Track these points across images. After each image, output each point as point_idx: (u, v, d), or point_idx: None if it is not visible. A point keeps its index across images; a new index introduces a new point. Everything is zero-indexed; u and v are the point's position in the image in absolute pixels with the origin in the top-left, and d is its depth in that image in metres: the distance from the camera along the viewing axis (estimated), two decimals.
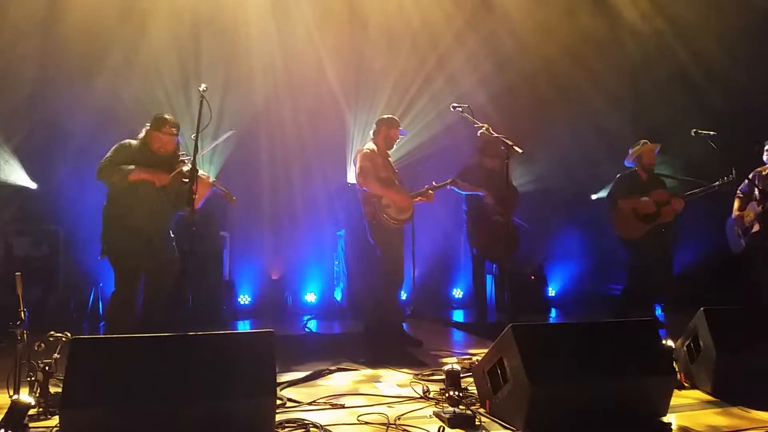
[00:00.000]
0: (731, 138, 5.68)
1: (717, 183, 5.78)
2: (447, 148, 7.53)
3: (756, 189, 5.54)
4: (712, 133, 5.28)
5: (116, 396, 2.53)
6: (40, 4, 6.55)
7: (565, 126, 8.29)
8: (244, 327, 6.51)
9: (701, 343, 3.59)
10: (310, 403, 3.28)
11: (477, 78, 7.95)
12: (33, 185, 6.78)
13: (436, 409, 3.11)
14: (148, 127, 4.44)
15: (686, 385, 3.65)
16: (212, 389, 2.63)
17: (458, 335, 6.31)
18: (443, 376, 3.34)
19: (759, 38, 7.18)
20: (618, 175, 6.27)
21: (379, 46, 7.95)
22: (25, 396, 2.87)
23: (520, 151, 4.53)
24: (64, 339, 3.17)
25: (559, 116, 8.31)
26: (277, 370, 2.78)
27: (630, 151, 6.22)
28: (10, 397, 2.86)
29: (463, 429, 2.85)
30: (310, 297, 7.58)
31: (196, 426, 2.58)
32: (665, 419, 3.02)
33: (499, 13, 8.04)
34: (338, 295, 7.45)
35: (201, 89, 3.82)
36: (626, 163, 6.30)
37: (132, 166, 4.21)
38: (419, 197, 5.38)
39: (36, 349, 3.12)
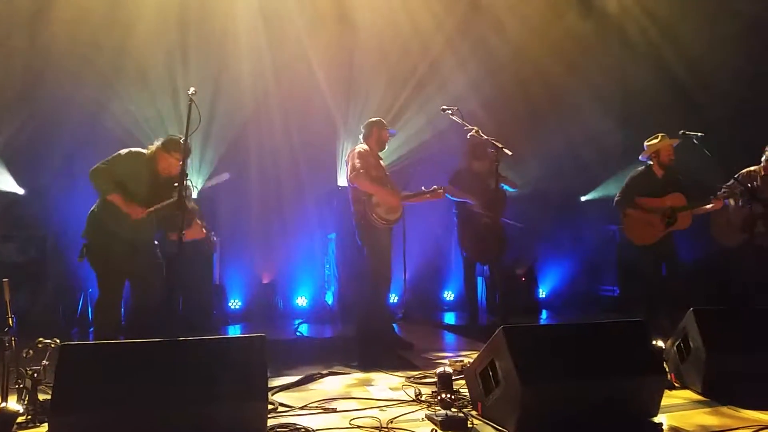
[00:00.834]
0: (720, 140, 5.72)
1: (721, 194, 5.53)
2: (437, 152, 7.55)
3: (741, 188, 5.55)
4: (699, 134, 5.30)
5: (106, 402, 2.51)
6: (26, 6, 6.51)
7: (555, 128, 8.33)
8: (234, 331, 6.49)
9: (691, 344, 3.61)
10: (301, 408, 3.26)
11: (467, 81, 7.98)
12: (20, 190, 6.72)
13: (428, 412, 3.10)
14: (159, 145, 4.39)
15: (677, 385, 3.67)
16: (203, 394, 2.62)
17: (450, 338, 6.32)
18: (435, 379, 3.33)
19: (746, 41, 7.25)
20: (630, 175, 5.84)
21: (369, 50, 7.95)
22: (13, 403, 2.84)
23: (510, 153, 4.54)
24: (52, 345, 3.14)
25: (550, 119, 8.35)
26: (268, 374, 2.77)
27: (645, 146, 5.73)
28: None
29: (455, 431, 2.85)
30: (301, 301, 7.57)
31: (187, 431, 2.56)
32: (656, 419, 3.03)
33: (488, 15, 8.07)
34: (329, 299, 7.44)
35: (190, 93, 3.79)
36: (641, 158, 5.80)
37: (114, 190, 4.18)
38: (415, 197, 5.36)
39: (24, 356, 3.09)
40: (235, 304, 7.26)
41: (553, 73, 8.22)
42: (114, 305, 4.30)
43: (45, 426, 2.82)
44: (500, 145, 4.54)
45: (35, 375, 3.03)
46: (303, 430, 2.85)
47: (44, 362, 3.09)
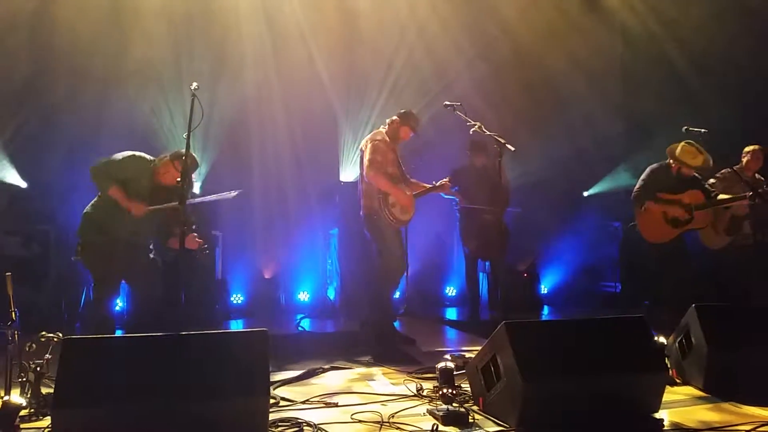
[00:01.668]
0: (724, 136, 5.71)
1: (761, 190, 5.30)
2: (438, 146, 7.53)
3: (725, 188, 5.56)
4: (703, 130, 5.28)
5: (108, 396, 2.52)
6: (28, 2, 6.51)
7: (557, 123, 8.32)
8: (237, 326, 6.49)
9: (693, 340, 3.61)
10: (303, 402, 3.27)
11: (469, 77, 7.96)
12: (23, 184, 6.73)
13: (429, 407, 3.11)
14: (168, 157, 4.35)
15: (678, 381, 3.67)
16: (205, 389, 2.62)
17: (451, 333, 6.32)
18: (437, 374, 3.34)
19: (752, 36, 7.22)
20: (650, 168, 5.63)
21: (371, 43, 7.93)
22: (16, 397, 2.84)
23: (513, 149, 4.53)
24: (55, 339, 3.15)
25: (552, 114, 8.34)
26: (270, 369, 2.77)
27: (668, 151, 5.52)
28: (1, 398, 2.83)
29: (457, 426, 2.85)
30: (303, 296, 7.57)
31: (189, 425, 2.57)
32: (657, 415, 3.04)
33: (487, 8, 8.03)
34: (331, 294, 7.44)
35: (192, 88, 3.78)
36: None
37: (115, 185, 4.17)
38: (424, 193, 5.31)
39: (27, 349, 3.10)
40: (237, 298, 7.27)
41: (556, 68, 8.20)
42: (104, 303, 4.30)
43: (48, 419, 2.84)
44: (503, 141, 4.52)
45: (38, 369, 3.04)
46: (305, 424, 2.86)
47: (47, 356, 3.11)
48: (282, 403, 3.25)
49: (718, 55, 7.36)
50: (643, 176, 5.60)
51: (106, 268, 4.25)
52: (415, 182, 5.31)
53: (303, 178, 7.66)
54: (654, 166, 5.61)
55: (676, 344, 3.76)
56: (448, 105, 4.91)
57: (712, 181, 5.72)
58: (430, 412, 3.04)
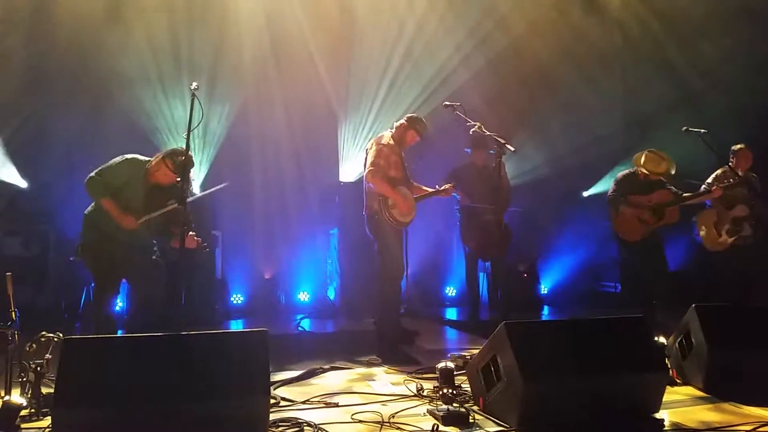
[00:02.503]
0: (722, 135, 5.74)
1: (723, 184, 5.65)
2: (438, 145, 7.53)
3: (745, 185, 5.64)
4: (703, 130, 5.30)
5: (108, 396, 2.52)
6: (27, 1, 6.51)
7: (557, 124, 8.32)
8: (237, 326, 6.49)
9: (693, 340, 3.61)
10: (303, 402, 3.27)
11: (470, 75, 7.95)
12: (23, 184, 6.73)
13: (430, 407, 3.11)
14: (161, 156, 4.30)
15: (678, 381, 3.67)
16: (205, 389, 2.62)
17: (451, 333, 6.32)
18: (437, 374, 3.34)
19: (746, 34, 7.23)
20: (620, 174, 6.02)
21: (370, 44, 7.92)
22: (16, 397, 2.85)
23: (513, 149, 4.53)
24: (55, 339, 3.15)
25: (551, 114, 8.34)
26: (270, 369, 2.77)
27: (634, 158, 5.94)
28: (2, 398, 2.84)
29: (457, 426, 2.86)
30: (303, 296, 7.57)
31: (189, 425, 2.57)
32: (658, 415, 3.04)
33: (485, 5, 8.03)
34: (331, 294, 7.44)
35: (192, 88, 3.77)
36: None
37: (107, 197, 4.16)
38: (426, 197, 5.32)
39: (27, 349, 3.10)
40: (237, 299, 7.27)
41: (555, 68, 8.19)
42: (105, 303, 4.30)
43: (48, 419, 2.83)
44: (503, 141, 4.53)
45: (38, 369, 3.04)
46: (305, 424, 2.86)
47: (47, 356, 3.10)
48: (282, 403, 3.25)
49: (718, 54, 7.36)
50: (614, 182, 5.99)
51: (106, 269, 4.25)
52: (417, 186, 5.33)
53: (303, 177, 7.65)
54: (624, 172, 6.00)
55: (677, 344, 3.76)
56: (448, 105, 4.92)
57: (709, 181, 5.78)
58: (431, 412, 3.04)
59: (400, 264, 5.24)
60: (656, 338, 3.66)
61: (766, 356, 3.49)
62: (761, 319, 3.72)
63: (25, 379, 3.03)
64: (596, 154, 8.30)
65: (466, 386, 3.33)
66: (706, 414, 3.10)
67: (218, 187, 4.66)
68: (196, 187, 6.94)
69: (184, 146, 3.72)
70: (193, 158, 4.27)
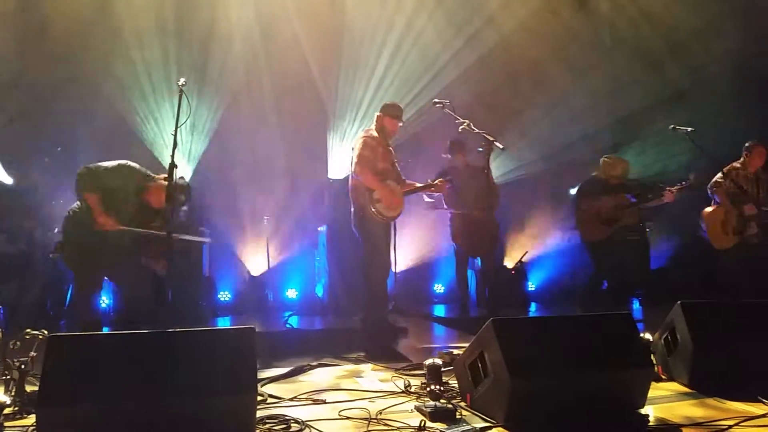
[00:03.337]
0: (709, 133, 5.77)
1: (675, 187, 5.87)
2: (428, 144, 7.54)
3: (735, 187, 5.68)
4: (689, 129, 5.33)
5: (94, 394, 2.50)
6: None
7: (544, 120, 8.35)
8: (224, 323, 6.47)
9: (678, 337, 3.64)
10: (291, 399, 3.26)
11: (459, 73, 7.97)
12: (9, 180, 6.66)
13: (417, 403, 3.11)
14: (162, 179, 4.25)
15: (663, 377, 3.70)
16: (192, 386, 2.61)
17: (439, 329, 6.34)
18: (424, 371, 3.35)
19: (741, 31, 7.29)
20: (584, 180, 6.44)
21: (359, 40, 7.91)
22: (0, 395, 2.82)
23: (502, 147, 4.55)
24: (40, 337, 3.13)
25: (540, 111, 8.37)
26: (258, 366, 2.76)
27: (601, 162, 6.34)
28: None
29: (444, 422, 2.86)
30: (291, 293, 7.56)
31: (176, 423, 2.55)
32: (643, 411, 3.06)
33: (474, 2, 8.04)
34: (319, 291, 7.44)
35: (180, 84, 3.75)
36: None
37: (92, 192, 4.12)
38: (417, 190, 5.32)
39: (12, 347, 3.07)
40: (224, 296, 7.25)
41: (544, 65, 8.23)
42: (86, 301, 4.26)
43: (32, 417, 2.81)
44: (492, 138, 4.54)
45: (23, 366, 3.01)
46: (292, 421, 2.86)
47: (32, 353, 3.08)
48: (269, 400, 3.24)
49: (706, 50, 7.42)
50: (578, 187, 6.43)
51: (86, 266, 4.20)
52: (409, 183, 5.33)
53: (291, 174, 7.64)
54: (587, 178, 6.39)
55: (662, 341, 3.79)
56: (438, 103, 4.92)
57: (718, 179, 5.78)
58: (418, 409, 3.04)
59: (386, 261, 5.24)
60: (642, 334, 3.69)
61: (750, 352, 3.52)
62: (747, 314, 3.75)
63: (9, 377, 3.00)
64: (585, 153, 8.35)
65: (454, 383, 3.34)
66: (691, 409, 3.13)
67: (203, 239, 4.66)
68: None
69: (171, 145, 3.69)
70: (191, 191, 4.26)
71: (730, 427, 2.78)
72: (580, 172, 8.64)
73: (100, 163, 4.21)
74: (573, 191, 8.85)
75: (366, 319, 5.25)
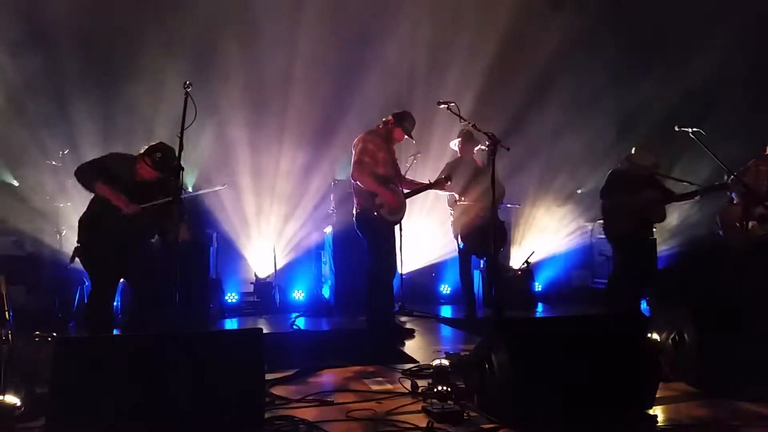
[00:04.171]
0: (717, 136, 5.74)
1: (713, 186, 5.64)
2: (432, 144, 7.54)
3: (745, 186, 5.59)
4: (694, 129, 5.30)
5: (102, 395, 2.52)
6: None
7: (549, 119, 8.34)
8: (231, 325, 6.48)
9: (686, 336, 3.63)
10: (298, 400, 3.27)
11: (463, 75, 7.96)
12: (15, 183, 6.70)
13: (424, 405, 3.12)
14: (139, 154, 4.28)
15: (671, 377, 3.69)
16: (200, 387, 2.62)
17: (446, 330, 6.33)
18: (432, 372, 3.35)
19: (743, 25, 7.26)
20: (612, 170, 5.96)
21: (364, 39, 7.92)
22: (10, 397, 2.84)
23: (507, 148, 4.54)
24: (49, 339, 3.14)
25: (545, 110, 8.36)
26: (265, 367, 2.77)
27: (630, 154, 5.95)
28: None
29: (452, 424, 2.86)
30: (298, 294, 7.56)
31: (183, 424, 2.57)
32: (651, 412, 3.05)
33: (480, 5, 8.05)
34: (326, 293, 7.44)
35: (185, 85, 3.76)
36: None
37: (102, 182, 4.11)
38: (419, 192, 5.31)
39: (20, 349, 3.09)
40: (231, 297, 7.26)
41: (549, 66, 8.22)
42: (105, 303, 4.25)
43: (42, 419, 2.82)
44: (497, 139, 4.53)
45: (32, 369, 3.03)
46: (300, 422, 2.86)
47: (41, 356, 3.09)
48: (277, 401, 3.24)
49: (712, 50, 7.40)
50: (606, 177, 5.88)
51: (103, 268, 4.20)
52: (409, 180, 5.32)
53: (298, 175, 7.65)
54: (614, 168, 5.90)
55: (670, 341, 3.78)
56: (442, 103, 4.91)
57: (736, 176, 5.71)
58: (425, 410, 3.04)
59: (391, 262, 5.22)
60: (650, 334, 3.68)
61: (758, 352, 3.51)
62: (753, 314, 3.74)
63: (19, 379, 3.02)
64: (589, 151, 8.34)
65: (461, 384, 3.34)
66: (699, 410, 3.12)
67: (216, 188, 4.64)
68: (190, 180, 6.95)
69: (177, 145, 3.71)
70: (174, 151, 4.25)
71: (739, 427, 2.77)
72: (586, 172, 8.67)
73: (90, 159, 4.25)
74: (580, 190, 8.86)
75: (372, 320, 5.25)
